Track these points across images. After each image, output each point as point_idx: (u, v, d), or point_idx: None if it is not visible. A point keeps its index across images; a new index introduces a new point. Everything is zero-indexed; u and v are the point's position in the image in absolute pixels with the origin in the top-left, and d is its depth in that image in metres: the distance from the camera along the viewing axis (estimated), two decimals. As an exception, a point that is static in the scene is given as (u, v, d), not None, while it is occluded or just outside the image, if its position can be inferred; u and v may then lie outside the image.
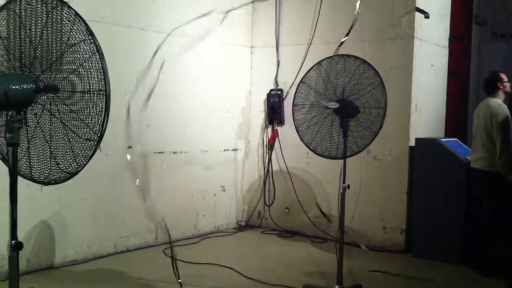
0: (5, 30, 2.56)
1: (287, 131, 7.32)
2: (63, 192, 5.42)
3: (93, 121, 2.48)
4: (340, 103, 4.72)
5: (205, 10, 6.93)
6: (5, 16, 2.56)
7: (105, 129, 2.45)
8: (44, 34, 2.47)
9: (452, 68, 7.26)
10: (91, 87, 2.40)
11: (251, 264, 5.86)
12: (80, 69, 2.43)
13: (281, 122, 7.44)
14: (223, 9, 7.23)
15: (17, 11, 2.55)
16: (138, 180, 5.72)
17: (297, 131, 5.03)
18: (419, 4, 6.38)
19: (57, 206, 5.48)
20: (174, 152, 6.66)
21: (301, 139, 5.05)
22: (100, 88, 2.37)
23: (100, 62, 2.38)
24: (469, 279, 5.54)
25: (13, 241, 2.53)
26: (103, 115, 2.40)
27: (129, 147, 6.09)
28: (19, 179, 2.61)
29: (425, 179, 6.19)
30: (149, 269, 5.59)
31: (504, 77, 5.74)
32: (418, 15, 6.40)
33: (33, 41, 2.48)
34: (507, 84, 5.73)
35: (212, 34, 7.08)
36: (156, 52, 6.34)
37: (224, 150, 7.41)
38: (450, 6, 7.13)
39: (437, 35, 6.89)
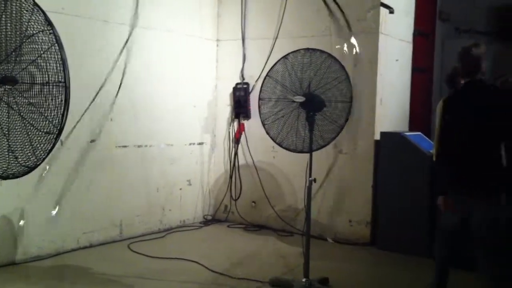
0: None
1: (253, 125, 7.31)
2: (24, 186, 5.30)
3: (52, 114, 2.41)
4: (306, 97, 4.72)
5: (170, 3, 6.86)
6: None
7: (65, 122, 2.39)
8: (2, 24, 2.39)
9: (416, 63, 7.35)
10: (50, 78, 2.34)
11: (217, 258, 5.83)
12: (39, 60, 2.36)
13: (247, 116, 7.42)
14: (188, 1, 7.19)
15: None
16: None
17: (263, 125, 5.04)
18: (384, -1, 6.44)
19: (17, 201, 5.35)
20: (139, 146, 6.57)
21: (267, 133, 5.06)
22: (60, 79, 2.31)
23: (59, 53, 2.31)
24: (432, 271, 5.61)
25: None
26: (62, 107, 2.34)
27: (92, 141, 5.99)
28: (-24, 173, 2.54)
29: (390, 172, 6.26)
30: (114, 264, 5.51)
31: None
32: (383, 10, 6.45)
33: (-11, 31, 2.41)
34: (468, 79, 5.79)
35: (177, 26, 7.01)
36: (119, 45, 6.26)
37: (190, 144, 7.35)
38: (414, 2, 7.22)
39: (401, 30, 6.97)
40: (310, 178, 4.83)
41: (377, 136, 6.45)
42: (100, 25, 6.01)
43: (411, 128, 7.14)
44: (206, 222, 7.58)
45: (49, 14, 2.47)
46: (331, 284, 5.07)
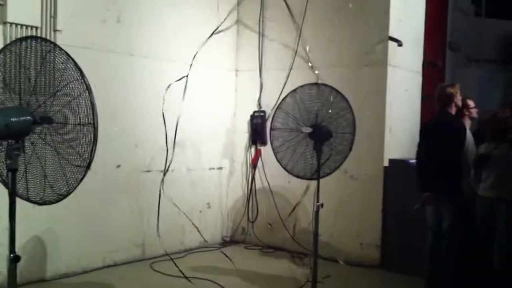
0: (7, 69, 2.92)
1: (269, 151, 7.50)
2: (54, 209, 5.67)
3: (82, 150, 2.83)
4: (313, 128, 5.08)
5: (192, 36, 7.32)
6: (7, 56, 2.93)
7: (93, 157, 2.80)
8: (41, 74, 2.83)
9: (427, 92, 7.62)
10: (81, 120, 2.76)
11: (233, 277, 6.17)
12: (72, 104, 2.78)
13: (264, 143, 7.79)
14: (209, 34, 7.63)
15: (17, 51, 2.91)
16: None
17: (275, 154, 5.40)
18: (392, 33, 6.78)
19: (48, 222, 5.78)
20: (161, 171, 6.98)
21: (279, 161, 5.41)
22: (89, 121, 2.73)
23: (89, 99, 2.73)
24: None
25: (12, 255, 2.87)
26: (91, 145, 2.76)
27: (118, 166, 6.42)
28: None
29: (398, 197, 6.54)
30: (136, 282, 5.89)
31: (470, 103, 6.05)
32: (391, 44, 6.80)
33: (31, 80, 2.85)
34: (473, 111, 6.07)
35: (199, 58, 7.43)
36: (143, 76, 6.72)
37: (210, 169, 7.75)
38: (423, 34, 7.53)
39: (410, 61, 7.29)
40: (317, 203, 5.17)
41: (386, 163, 6.76)
42: (126, 59, 6.49)
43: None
44: (225, 243, 7.93)
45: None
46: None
